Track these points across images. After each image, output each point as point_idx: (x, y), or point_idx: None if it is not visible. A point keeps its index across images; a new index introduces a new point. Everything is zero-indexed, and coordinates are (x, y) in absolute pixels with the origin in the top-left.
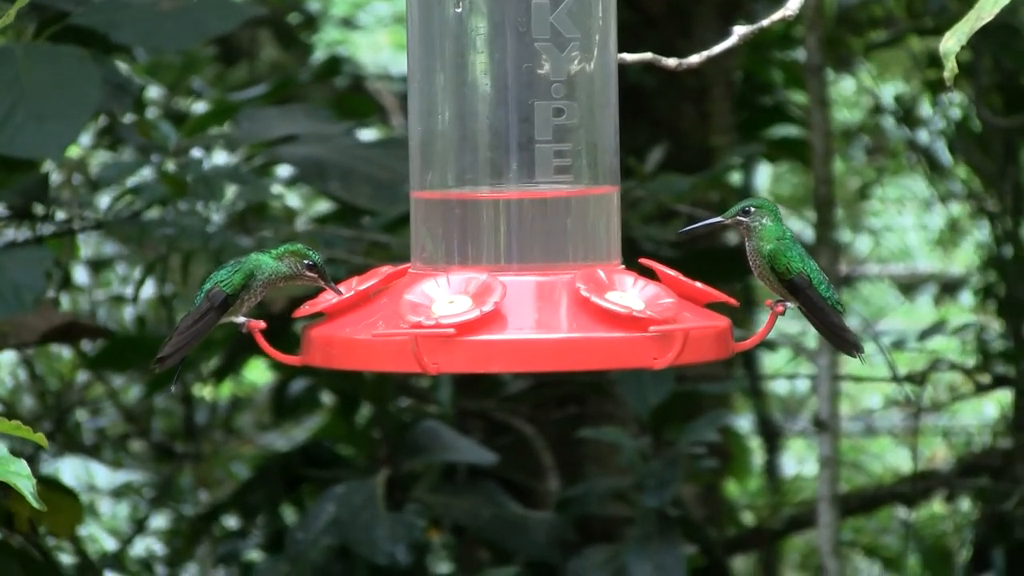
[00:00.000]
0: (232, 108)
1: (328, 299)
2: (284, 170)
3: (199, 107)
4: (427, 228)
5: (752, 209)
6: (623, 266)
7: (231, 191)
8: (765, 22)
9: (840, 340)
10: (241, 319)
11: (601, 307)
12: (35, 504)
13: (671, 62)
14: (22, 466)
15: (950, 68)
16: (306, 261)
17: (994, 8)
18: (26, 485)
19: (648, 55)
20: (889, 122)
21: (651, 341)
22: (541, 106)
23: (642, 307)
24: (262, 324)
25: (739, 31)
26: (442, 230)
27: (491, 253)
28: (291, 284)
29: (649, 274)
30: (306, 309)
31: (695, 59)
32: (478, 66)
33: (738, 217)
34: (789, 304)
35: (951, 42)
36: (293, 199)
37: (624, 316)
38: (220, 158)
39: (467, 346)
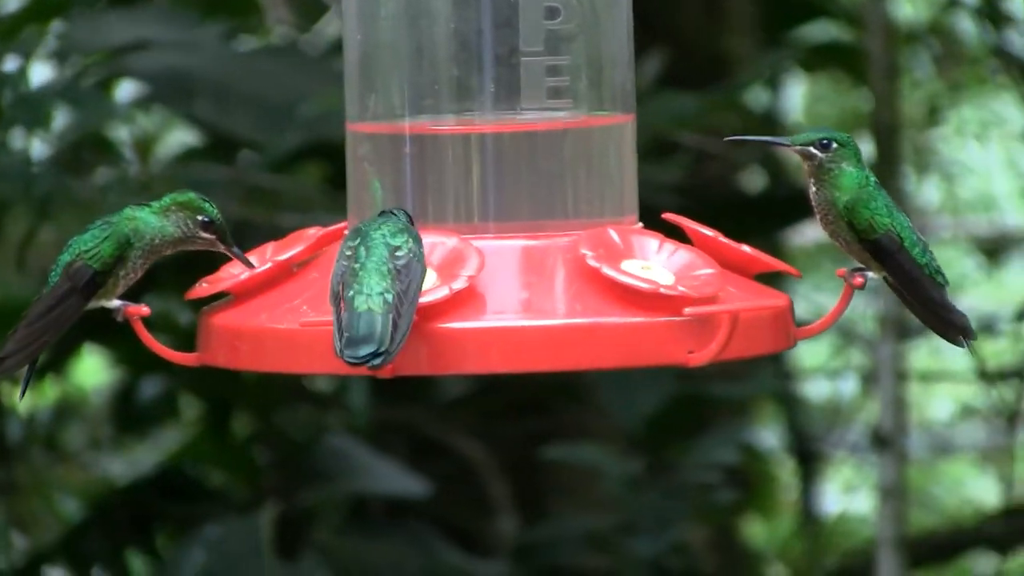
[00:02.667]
0: (58, 6)
1: (234, 273)
2: (128, 89)
3: (11, 2)
4: (370, 174)
5: (834, 144)
6: (641, 224)
7: (61, 117)
8: None
9: (942, 323)
10: (115, 303)
11: (616, 281)
12: None
13: None
14: None
15: None
16: (201, 217)
17: None
18: None
19: None
20: (966, 20)
21: (686, 328)
22: (529, 4)
23: (672, 281)
24: (145, 310)
25: None
26: (392, 177)
27: (461, 209)
28: (178, 250)
29: (677, 234)
30: (204, 288)
31: None
32: None
33: (812, 149)
34: (871, 274)
35: None
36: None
37: (648, 293)
38: (43, 73)
39: (433, 337)
